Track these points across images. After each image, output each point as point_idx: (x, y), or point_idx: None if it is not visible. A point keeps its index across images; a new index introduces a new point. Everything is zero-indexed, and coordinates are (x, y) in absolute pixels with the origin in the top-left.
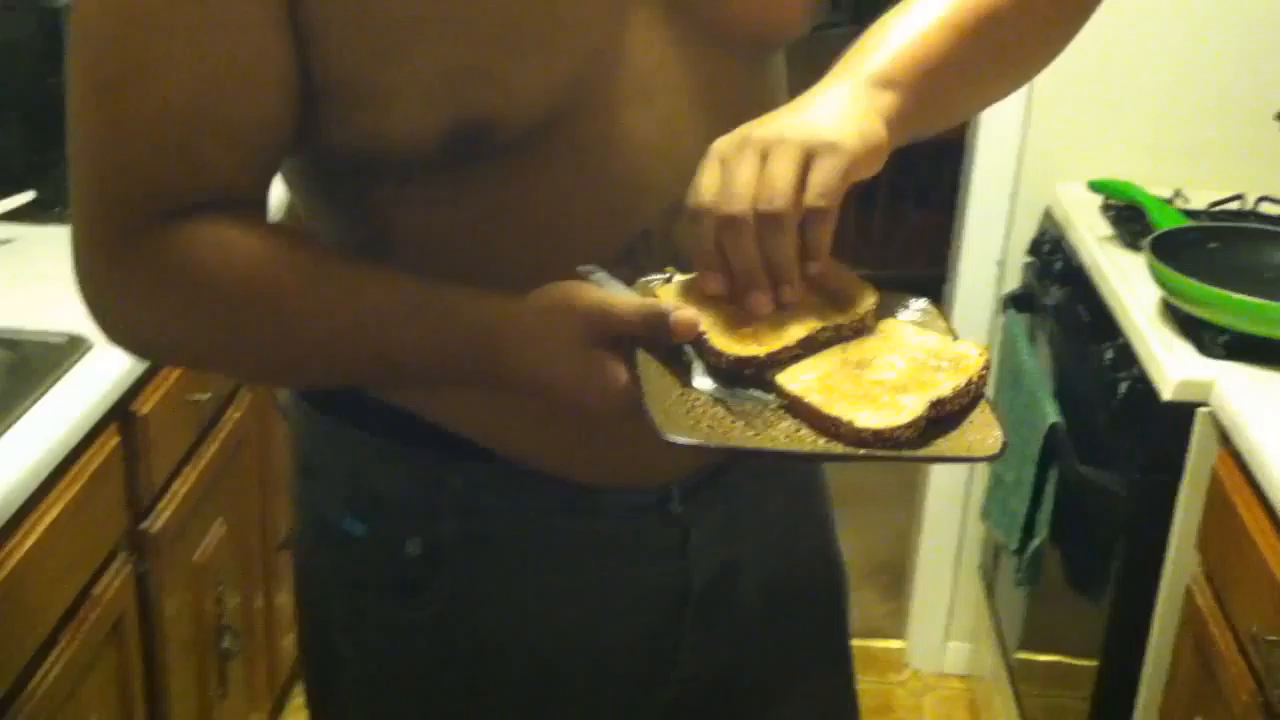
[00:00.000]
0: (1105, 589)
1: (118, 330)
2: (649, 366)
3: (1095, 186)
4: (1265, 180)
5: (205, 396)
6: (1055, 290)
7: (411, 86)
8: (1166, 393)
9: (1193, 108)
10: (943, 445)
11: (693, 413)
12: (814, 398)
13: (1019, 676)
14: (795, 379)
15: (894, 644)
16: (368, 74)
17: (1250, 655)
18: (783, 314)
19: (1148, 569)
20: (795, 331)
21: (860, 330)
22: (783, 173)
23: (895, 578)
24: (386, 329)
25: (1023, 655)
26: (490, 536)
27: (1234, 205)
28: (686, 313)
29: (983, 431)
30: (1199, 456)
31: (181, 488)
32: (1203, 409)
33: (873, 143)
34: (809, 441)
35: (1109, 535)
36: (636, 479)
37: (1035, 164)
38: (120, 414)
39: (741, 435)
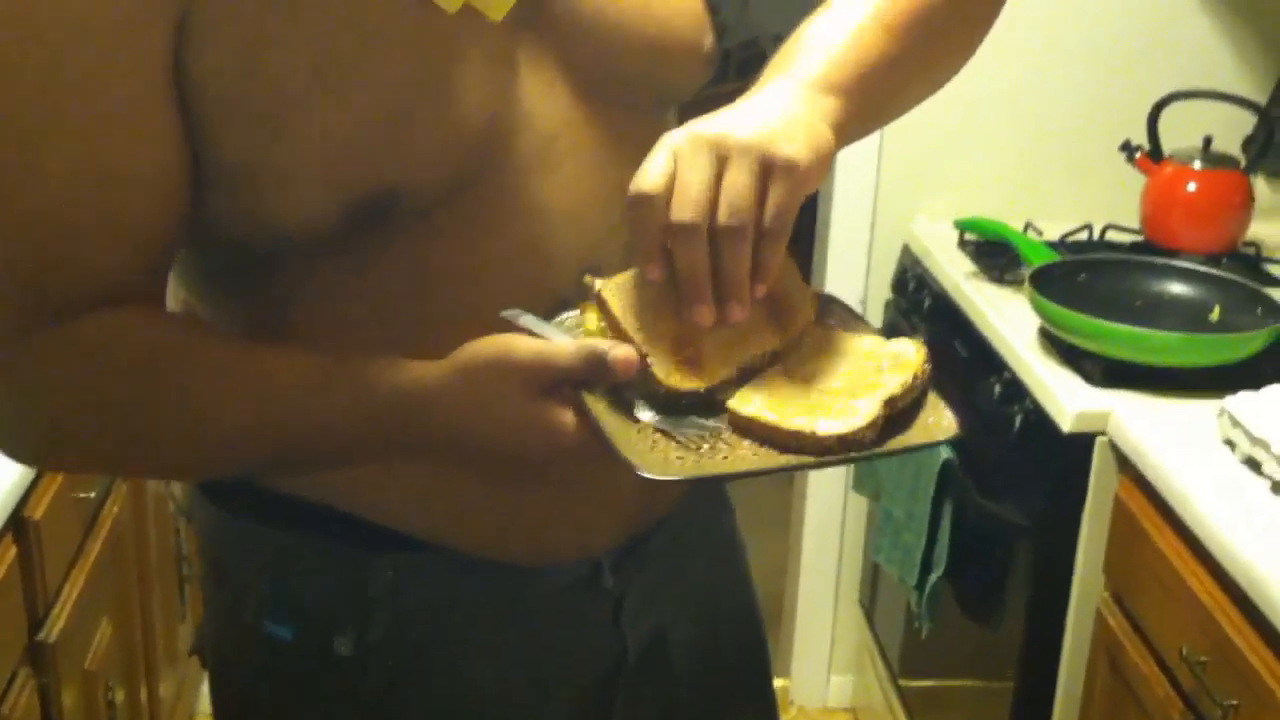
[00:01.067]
0: (1003, 618)
1: (6, 438)
2: (598, 406)
3: (962, 225)
4: (1111, 209)
5: (91, 495)
6: (924, 327)
7: (305, 165)
8: (1066, 425)
9: (1040, 141)
10: (905, 437)
11: (656, 448)
12: (769, 417)
13: (911, 704)
14: (748, 402)
15: (777, 682)
16: (259, 155)
17: (1176, 675)
18: (721, 328)
19: (1055, 594)
20: (736, 357)
21: (797, 343)
22: (744, 186)
23: (773, 614)
24: (301, 411)
25: (908, 683)
26: (422, 629)
27: (1082, 235)
28: (624, 350)
29: (937, 416)
30: (1100, 483)
31: (72, 592)
32: (1101, 438)
33: (824, 153)
34: (782, 457)
35: (1010, 565)
36: (567, 553)
37: (890, 203)
38: (14, 522)
39: (715, 463)
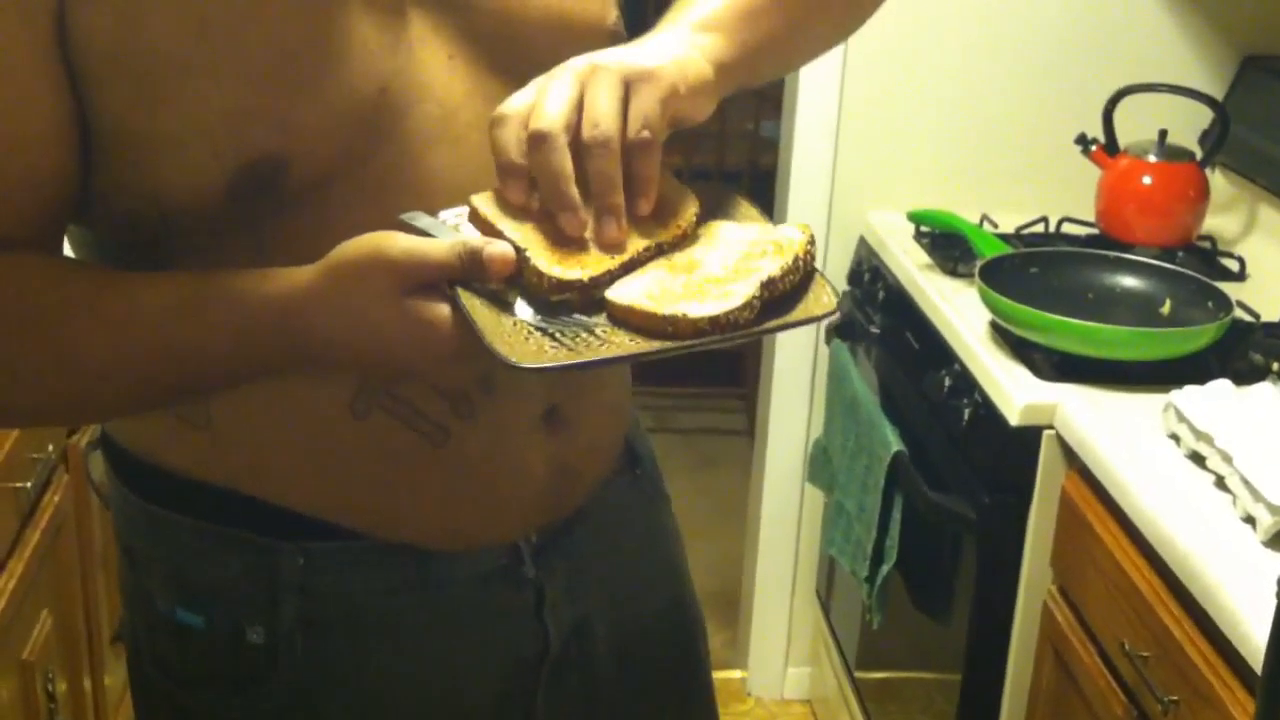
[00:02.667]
0: (952, 611)
1: None
2: (473, 303)
3: (915, 217)
4: (1066, 202)
5: (28, 484)
6: (879, 318)
7: (188, 132)
8: (1013, 418)
9: (995, 134)
10: (783, 317)
11: (531, 339)
12: (645, 304)
13: (866, 695)
14: (623, 291)
15: (733, 674)
16: (143, 122)
17: (1118, 668)
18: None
19: (1003, 587)
20: (623, 252)
21: (682, 240)
22: (604, 99)
23: (729, 607)
24: (172, 334)
25: (864, 675)
26: (335, 618)
27: (1038, 228)
28: (500, 246)
29: (817, 294)
30: (1047, 477)
31: (9, 583)
32: (1048, 431)
33: (693, 74)
34: (655, 342)
35: (959, 557)
36: (481, 537)
37: (846, 194)
38: None
39: (589, 351)
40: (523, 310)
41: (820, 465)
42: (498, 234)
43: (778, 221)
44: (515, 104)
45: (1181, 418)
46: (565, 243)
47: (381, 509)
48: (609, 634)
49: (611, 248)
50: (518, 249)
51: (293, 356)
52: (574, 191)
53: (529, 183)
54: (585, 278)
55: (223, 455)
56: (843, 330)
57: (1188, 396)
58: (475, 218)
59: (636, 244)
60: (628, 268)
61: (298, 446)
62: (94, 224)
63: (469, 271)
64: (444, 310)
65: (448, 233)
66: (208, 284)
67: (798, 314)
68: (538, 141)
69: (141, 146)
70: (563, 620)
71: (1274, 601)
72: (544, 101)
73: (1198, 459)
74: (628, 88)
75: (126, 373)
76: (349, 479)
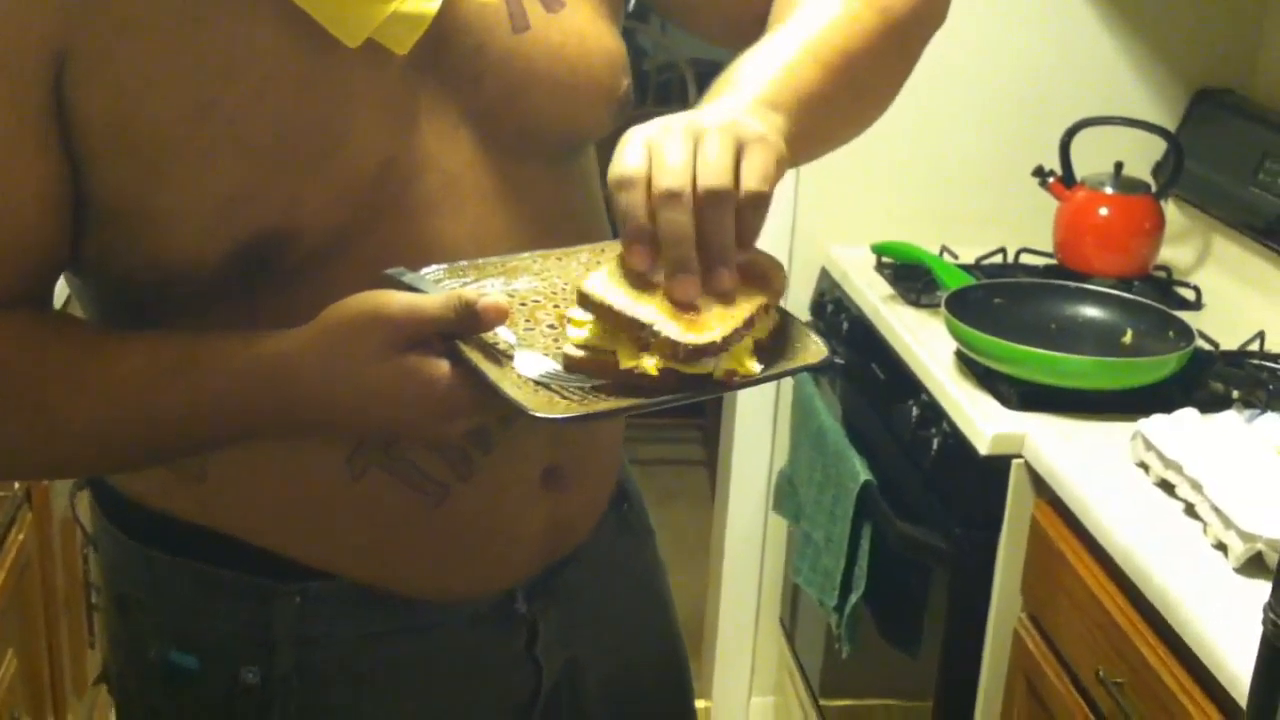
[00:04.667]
0: (922, 640)
1: None
2: (475, 355)
3: (878, 249)
4: (1025, 233)
5: None
6: (843, 350)
7: (189, 209)
8: (983, 447)
9: (955, 166)
10: (778, 366)
11: (540, 392)
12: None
13: None
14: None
15: (698, 703)
16: (143, 198)
17: (1093, 696)
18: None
19: (973, 615)
20: (738, 313)
21: (776, 298)
22: (721, 154)
23: (694, 636)
24: (156, 395)
25: (829, 702)
26: (330, 660)
27: (998, 259)
28: (493, 298)
29: (804, 341)
30: (1016, 506)
31: None
32: (1017, 460)
33: (783, 151)
34: (664, 391)
35: (928, 587)
36: (475, 590)
37: (807, 226)
38: None
39: (599, 402)
40: (525, 364)
41: (786, 495)
42: (611, 315)
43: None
44: (632, 162)
45: (1150, 446)
46: (680, 309)
47: (377, 564)
48: (602, 672)
49: (723, 299)
50: (642, 324)
51: (284, 418)
52: (695, 255)
53: (655, 248)
54: (719, 338)
55: (218, 507)
56: None
57: (1155, 425)
58: (587, 302)
59: (748, 303)
60: (749, 324)
61: (293, 502)
62: (87, 277)
63: (464, 324)
64: (442, 365)
65: (433, 287)
66: (194, 347)
67: (795, 362)
68: (670, 201)
69: (141, 220)
70: (555, 658)
71: (1260, 629)
72: (666, 160)
73: (1167, 487)
74: (741, 145)
75: (111, 436)
76: (345, 535)
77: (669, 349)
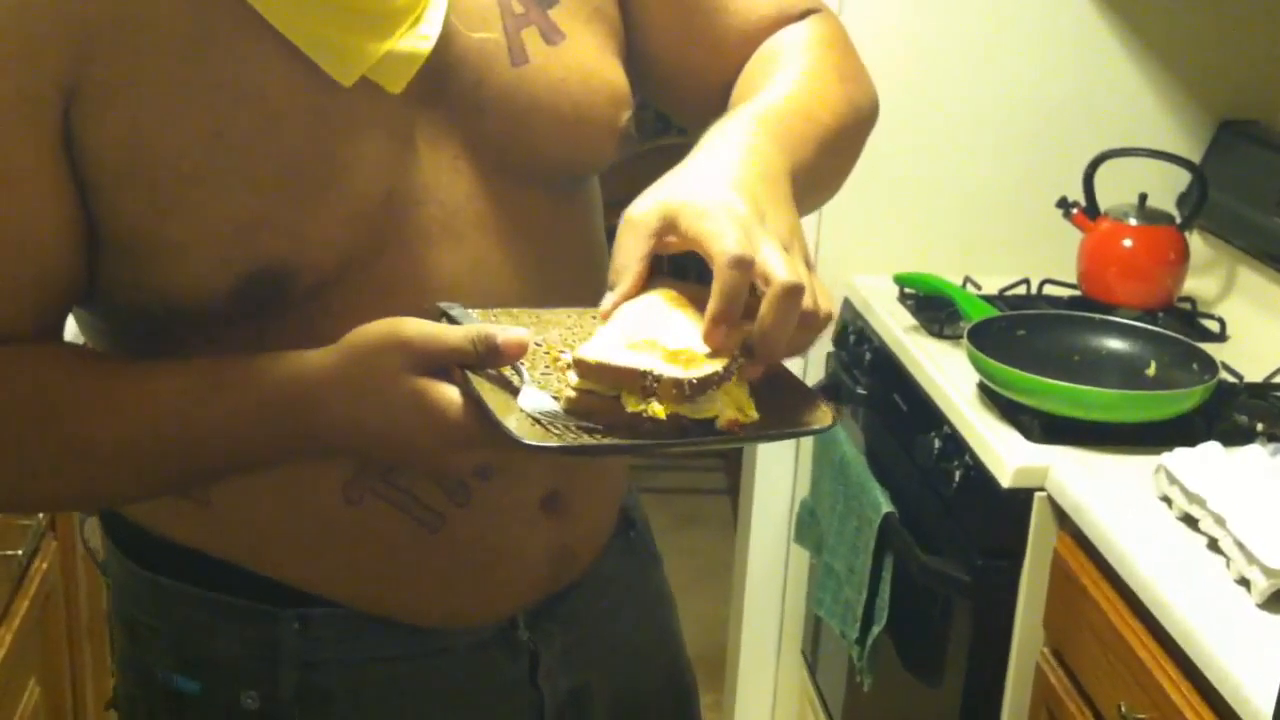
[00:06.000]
0: (944, 672)
1: None
2: (484, 386)
3: (900, 280)
4: (1048, 264)
5: (19, 552)
6: (865, 380)
7: (197, 239)
8: (1005, 480)
9: (978, 197)
10: (780, 423)
11: (537, 426)
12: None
13: None
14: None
15: None
16: (151, 229)
17: None
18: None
19: (995, 648)
20: (725, 351)
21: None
22: (804, 267)
23: (713, 667)
24: (184, 417)
25: None
26: (331, 686)
27: (1021, 290)
28: (515, 333)
29: (812, 407)
30: (1038, 539)
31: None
32: (1040, 494)
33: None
34: (661, 432)
35: (950, 619)
36: (479, 617)
37: (830, 257)
38: None
39: (595, 437)
40: (529, 400)
41: (807, 526)
42: (610, 372)
43: None
44: (745, 245)
45: (1173, 480)
46: (674, 355)
47: (377, 590)
48: (606, 701)
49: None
50: (643, 372)
51: (301, 439)
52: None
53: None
54: (720, 369)
55: (222, 532)
56: (829, 392)
57: (1179, 459)
58: (585, 368)
59: (734, 341)
60: (737, 359)
61: (294, 529)
62: (94, 307)
63: (483, 357)
64: (454, 393)
65: (470, 320)
66: (219, 370)
67: (798, 423)
68: (789, 298)
69: (150, 250)
70: (558, 688)
71: None
72: (771, 254)
73: (1190, 521)
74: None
75: (138, 460)
76: (345, 562)
77: (673, 389)
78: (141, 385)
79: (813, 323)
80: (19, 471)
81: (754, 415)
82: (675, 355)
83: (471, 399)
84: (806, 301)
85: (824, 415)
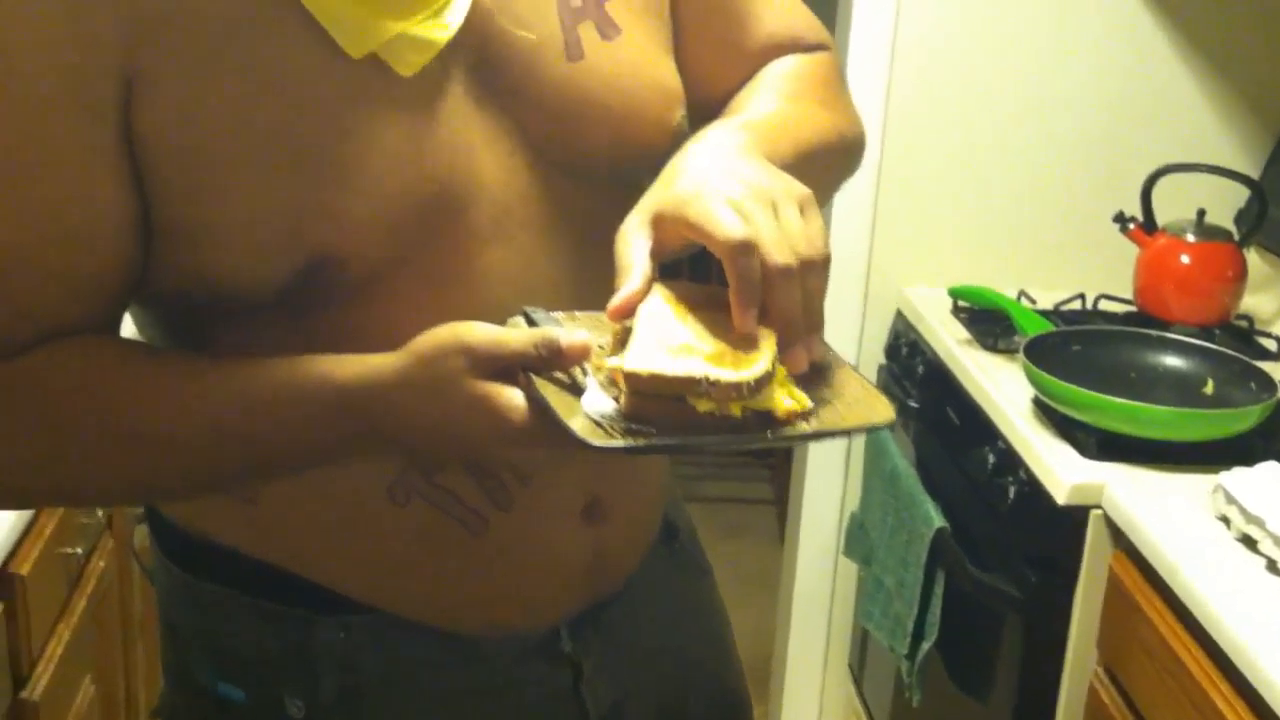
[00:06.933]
0: (994, 689)
1: None
2: (547, 389)
3: (955, 293)
4: (1104, 279)
5: (77, 550)
6: (917, 393)
7: (246, 227)
8: (1060, 497)
9: (1034, 210)
10: (838, 420)
11: (600, 429)
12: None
13: None
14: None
15: None
16: (201, 215)
17: None
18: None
19: (1048, 666)
20: (764, 344)
21: None
22: (805, 223)
23: (760, 679)
24: (250, 415)
25: None
26: (373, 692)
27: (1076, 304)
28: (579, 336)
29: (870, 401)
30: (1093, 557)
31: (57, 649)
32: (1096, 511)
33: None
34: (726, 430)
35: (1002, 636)
36: (520, 624)
37: (883, 269)
38: (1, 577)
39: (662, 436)
40: (592, 402)
41: (857, 539)
42: (664, 382)
43: None
44: (744, 227)
45: (1231, 500)
46: (718, 356)
47: (419, 595)
48: (650, 713)
49: (749, 342)
50: (696, 379)
51: (366, 440)
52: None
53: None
54: (770, 366)
55: (266, 534)
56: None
57: (1237, 479)
58: (637, 380)
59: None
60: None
61: (338, 531)
62: (151, 300)
63: (547, 361)
64: (517, 395)
65: (553, 325)
66: (288, 369)
67: (858, 419)
68: (786, 276)
69: (199, 237)
70: (601, 698)
71: None
72: (768, 232)
73: (1249, 542)
74: (801, 208)
75: (203, 457)
76: (388, 565)
77: (733, 392)
78: (204, 380)
79: (814, 269)
80: (82, 462)
81: (807, 402)
82: (718, 358)
83: (536, 402)
84: (801, 248)
85: (886, 410)
